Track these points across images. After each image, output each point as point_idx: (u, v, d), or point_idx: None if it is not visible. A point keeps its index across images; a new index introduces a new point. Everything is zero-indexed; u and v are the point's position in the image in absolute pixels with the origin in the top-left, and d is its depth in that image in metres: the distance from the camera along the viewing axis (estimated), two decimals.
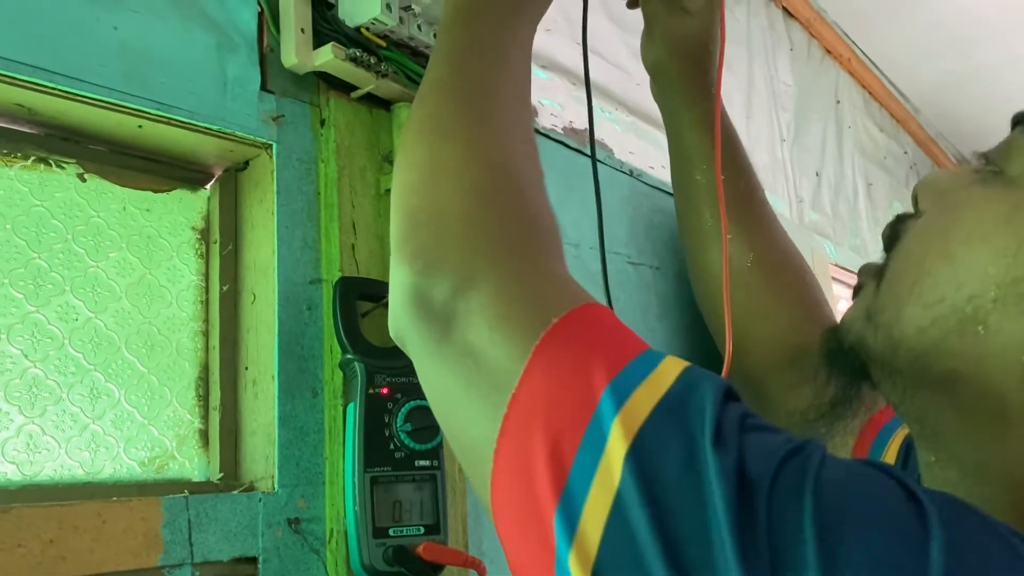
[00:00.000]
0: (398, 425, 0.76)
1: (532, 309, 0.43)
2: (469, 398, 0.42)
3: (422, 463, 0.77)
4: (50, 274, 0.71)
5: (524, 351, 0.41)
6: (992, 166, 0.48)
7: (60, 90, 0.66)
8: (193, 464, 0.78)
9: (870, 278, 0.52)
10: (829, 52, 2.45)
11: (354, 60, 0.80)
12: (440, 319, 0.44)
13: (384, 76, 0.83)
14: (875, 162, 2.70)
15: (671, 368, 0.39)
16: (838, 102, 2.47)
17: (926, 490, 0.36)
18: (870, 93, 2.74)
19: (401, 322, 0.47)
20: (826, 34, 2.37)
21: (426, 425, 0.77)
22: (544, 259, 0.47)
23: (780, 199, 1.96)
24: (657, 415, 0.37)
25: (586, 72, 0.75)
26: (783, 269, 0.76)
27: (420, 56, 0.87)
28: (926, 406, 0.47)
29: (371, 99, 0.87)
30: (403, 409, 0.76)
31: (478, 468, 0.42)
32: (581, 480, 0.36)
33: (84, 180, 0.75)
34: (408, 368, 0.78)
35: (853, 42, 2.49)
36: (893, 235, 0.52)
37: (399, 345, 0.50)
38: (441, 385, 0.45)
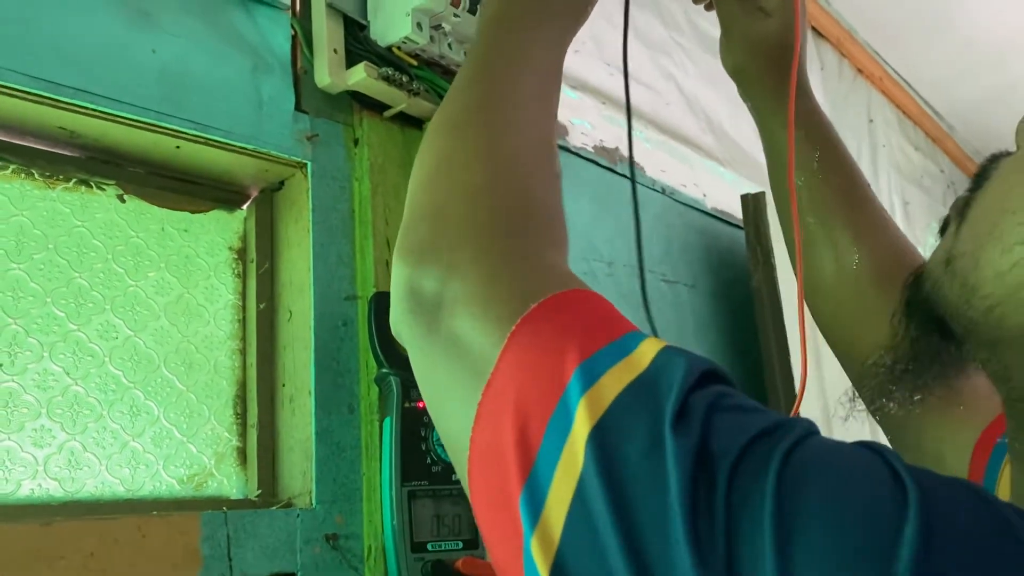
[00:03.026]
0: (435, 439, 0.75)
1: (513, 295, 0.41)
2: (452, 388, 0.42)
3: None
4: (91, 293, 0.73)
5: (501, 337, 0.39)
6: None
7: (101, 111, 0.68)
8: (231, 482, 0.78)
9: (955, 214, 0.47)
10: (861, 71, 2.44)
11: (386, 79, 0.81)
12: (429, 310, 0.44)
13: (416, 94, 0.84)
14: (911, 181, 2.67)
15: (648, 349, 0.37)
16: (871, 121, 2.45)
17: (920, 472, 0.33)
18: (904, 112, 2.71)
19: (397, 316, 0.47)
20: (857, 53, 2.36)
21: None
22: (536, 249, 0.45)
23: None
24: (624, 396, 0.35)
25: (627, 99, 0.75)
26: (893, 268, 0.70)
27: (451, 74, 0.88)
28: (1009, 364, 0.42)
29: (403, 118, 0.88)
30: None
31: (458, 457, 0.40)
32: (546, 464, 0.35)
33: (124, 201, 0.76)
34: None
35: (885, 61, 2.48)
36: (983, 174, 0.47)
37: (399, 340, 0.49)
38: (430, 377, 0.44)
